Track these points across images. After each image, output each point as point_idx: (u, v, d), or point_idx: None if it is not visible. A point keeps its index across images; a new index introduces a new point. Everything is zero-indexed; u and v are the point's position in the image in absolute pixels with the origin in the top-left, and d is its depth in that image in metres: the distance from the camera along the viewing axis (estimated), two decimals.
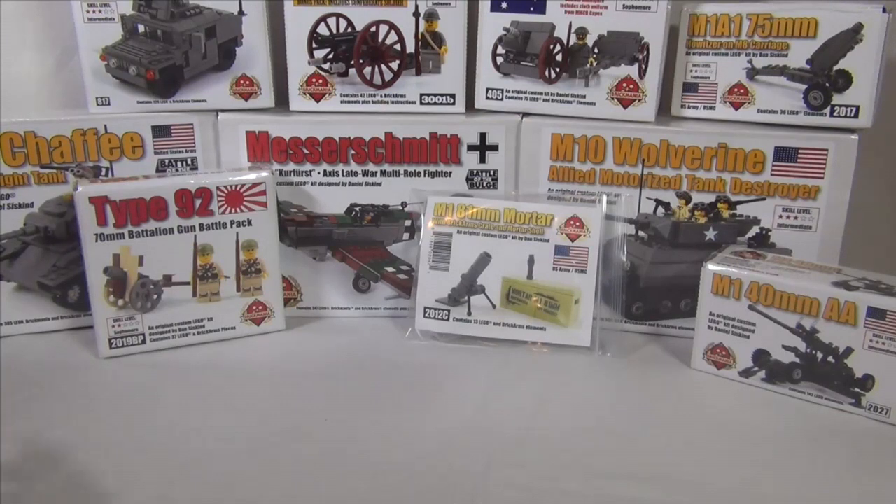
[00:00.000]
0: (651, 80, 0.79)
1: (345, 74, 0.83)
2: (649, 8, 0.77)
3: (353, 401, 0.72)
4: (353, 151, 0.84)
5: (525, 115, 0.83)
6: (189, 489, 0.60)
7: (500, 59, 0.82)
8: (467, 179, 0.85)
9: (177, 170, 0.84)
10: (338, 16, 0.81)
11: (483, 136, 0.83)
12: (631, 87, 0.80)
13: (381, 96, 0.84)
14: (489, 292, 0.82)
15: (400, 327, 0.86)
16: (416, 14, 0.81)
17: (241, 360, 0.80)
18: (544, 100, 0.82)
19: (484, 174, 0.85)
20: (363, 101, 0.84)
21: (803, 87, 0.77)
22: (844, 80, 0.75)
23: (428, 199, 0.84)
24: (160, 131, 0.83)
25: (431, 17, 0.81)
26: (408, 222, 0.87)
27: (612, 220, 0.83)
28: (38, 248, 0.83)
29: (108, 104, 0.82)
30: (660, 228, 0.83)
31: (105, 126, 0.82)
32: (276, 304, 0.85)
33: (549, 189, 0.84)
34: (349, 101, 0.84)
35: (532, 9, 0.80)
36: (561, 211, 0.81)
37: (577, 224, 0.81)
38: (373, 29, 0.81)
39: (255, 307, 0.84)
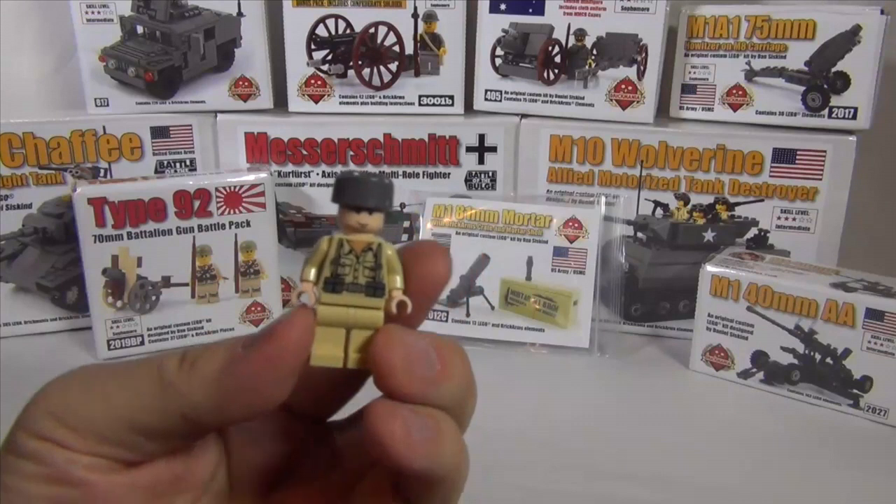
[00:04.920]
0: (649, 82, 0.79)
1: (343, 76, 0.83)
2: (648, 9, 0.77)
3: (352, 401, 0.72)
4: (351, 153, 0.84)
5: (524, 116, 0.83)
6: None
7: (498, 61, 0.82)
8: (466, 181, 0.85)
9: (175, 171, 0.84)
10: (336, 17, 0.81)
11: (482, 137, 0.83)
12: (629, 88, 0.80)
13: (380, 98, 0.84)
14: (488, 293, 0.82)
15: None
16: (415, 15, 0.81)
17: None
18: (543, 101, 0.82)
19: (482, 175, 0.85)
20: (362, 103, 0.84)
21: (802, 88, 0.77)
22: (843, 81, 0.75)
23: (426, 200, 0.84)
24: (159, 132, 0.83)
25: (430, 18, 0.81)
26: (406, 223, 0.87)
27: (611, 222, 0.83)
28: (36, 249, 0.83)
29: (107, 105, 0.82)
30: (658, 230, 0.83)
31: (104, 127, 0.81)
32: (276, 305, 0.85)
33: (548, 190, 0.84)
34: (348, 103, 0.84)
35: (531, 10, 0.80)
36: (559, 212, 0.81)
37: (576, 225, 0.81)
38: (371, 30, 0.81)
39: (253, 308, 0.84)
